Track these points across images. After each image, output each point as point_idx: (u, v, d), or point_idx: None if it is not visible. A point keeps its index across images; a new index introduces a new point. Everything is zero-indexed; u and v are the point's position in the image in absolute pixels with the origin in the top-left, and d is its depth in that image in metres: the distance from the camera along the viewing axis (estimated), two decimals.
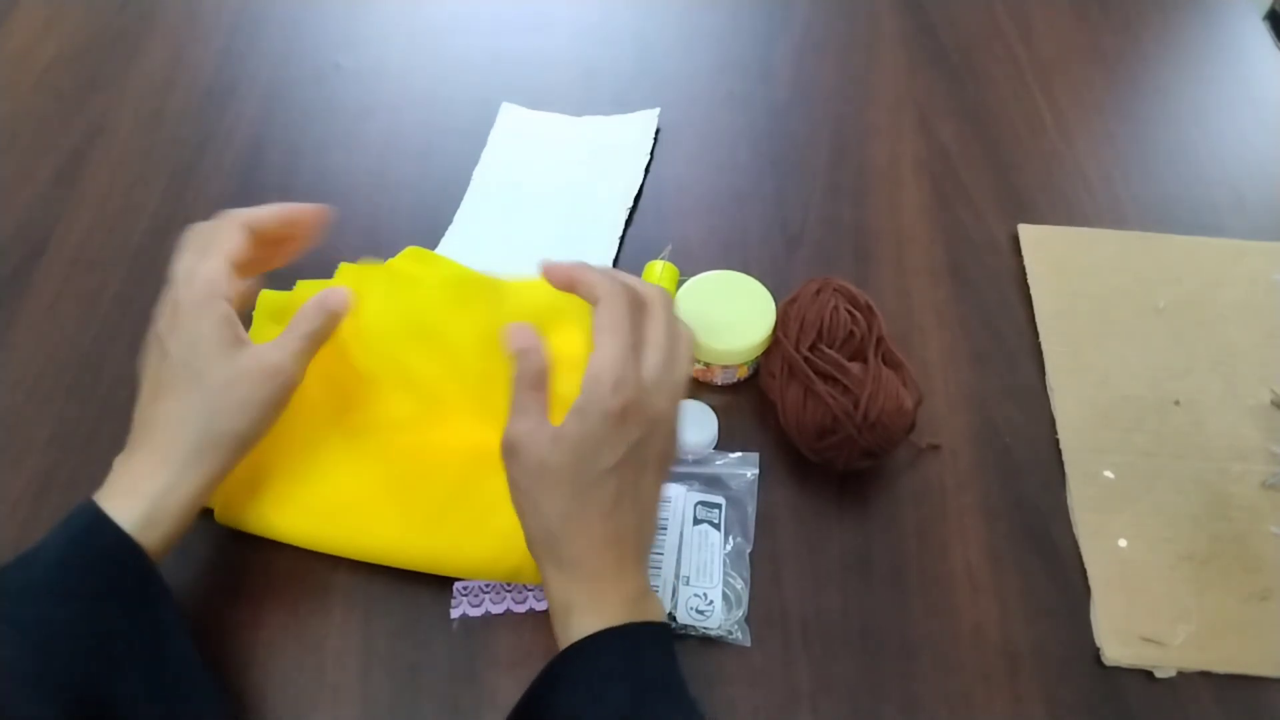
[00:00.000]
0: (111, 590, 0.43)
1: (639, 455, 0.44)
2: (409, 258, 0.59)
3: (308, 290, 0.55)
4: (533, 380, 0.46)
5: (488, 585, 0.54)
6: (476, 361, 0.51)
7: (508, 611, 0.54)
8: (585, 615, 0.43)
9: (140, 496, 0.45)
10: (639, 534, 0.46)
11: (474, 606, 0.54)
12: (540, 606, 0.54)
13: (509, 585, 0.54)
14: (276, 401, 0.48)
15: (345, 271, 0.56)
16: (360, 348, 0.53)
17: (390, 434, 0.54)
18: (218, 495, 0.52)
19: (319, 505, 0.53)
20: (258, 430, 0.48)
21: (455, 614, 0.54)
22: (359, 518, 0.53)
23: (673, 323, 0.47)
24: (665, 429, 0.45)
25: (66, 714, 0.40)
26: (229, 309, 0.47)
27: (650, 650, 0.44)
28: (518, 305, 0.52)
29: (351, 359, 0.53)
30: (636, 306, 0.45)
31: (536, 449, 0.44)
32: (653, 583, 0.54)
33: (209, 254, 0.48)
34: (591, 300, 0.45)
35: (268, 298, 0.58)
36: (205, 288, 0.47)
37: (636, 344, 0.44)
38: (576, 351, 0.55)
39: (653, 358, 0.45)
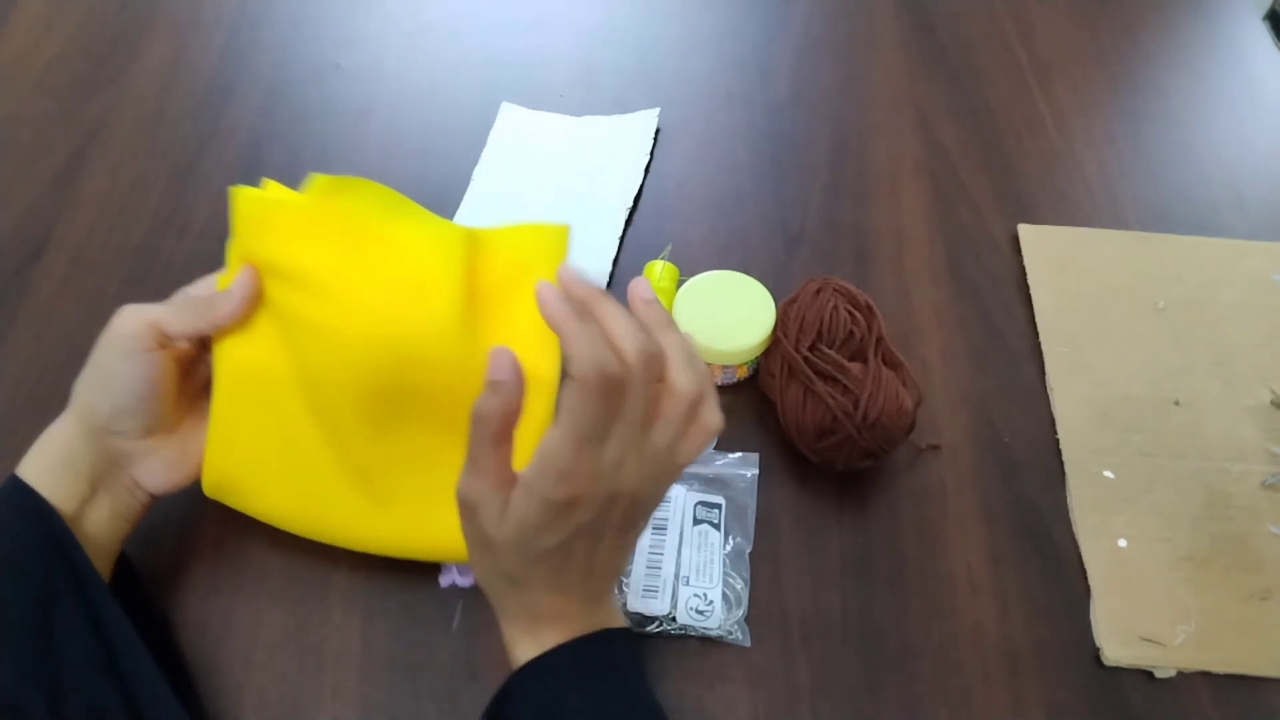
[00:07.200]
0: (27, 539, 0.46)
1: (590, 531, 0.41)
2: (330, 192, 0.49)
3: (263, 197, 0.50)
4: (496, 429, 0.40)
5: None
6: (445, 319, 0.49)
7: None
8: (529, 646, 0.44)
9: (47, 458, 0.49)
10: (590, 586, 0.45)
11: (463, 575, 0.54)
12: None
13: None
14: (138, 363, 0.48)
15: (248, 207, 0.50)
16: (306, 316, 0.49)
17: (362, 413, 0.51)
18: (208, 470, 0.52)
19: (300, 489, 0.52)
20: (125, 387, 0.48)
21: (445, 582, 0.54)
22: (339, 504, 0.52)
23: (649, 391, 0.40)
24: (627, 502, 0.41)
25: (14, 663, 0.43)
26: (150, 330, 0.49)
27: (602, 663, 0.45)
28: (483, 257, 0.50)
29: (303, 330, 0.50)
30: (613, 392, 0.38)
31: (484, 520, 0.41)
32: (652, 583, 0.54)
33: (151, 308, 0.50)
34: (567, 362, 0.39)
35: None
36: (133, 318, 0.49)
37: (604, 426, 0.39)
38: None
39: (621, 432, 0.39)
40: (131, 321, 0.48)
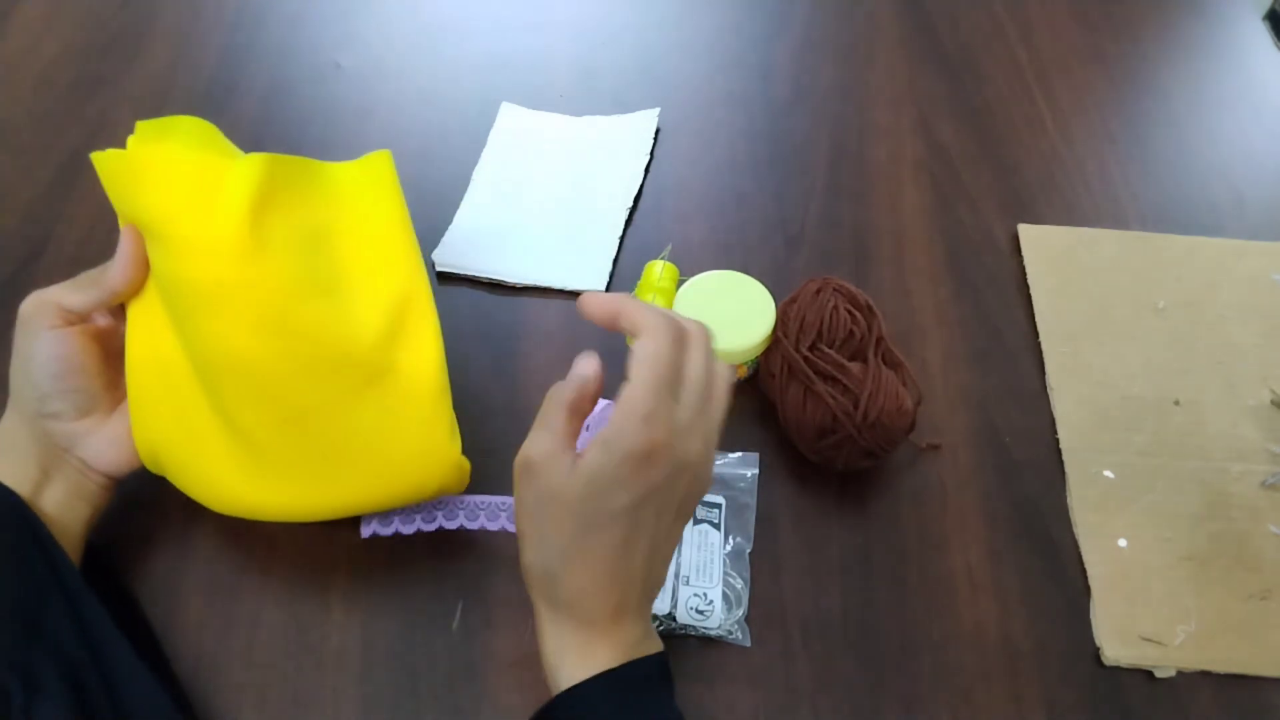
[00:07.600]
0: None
1: (658, 499, 0.41)
2: (155, 136, 0.48)
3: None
4: (572, 401, 0.43)
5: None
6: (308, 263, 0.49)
7: (418, 531, 0.54)
8: (576, 666, 0.42)
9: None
10: (645, 580, 0.43)
11: (384, 525, 0.54)
12: (450, 525, 0.54)
13: (416, 506, 0.54)
14: (46, 342, 0.48)
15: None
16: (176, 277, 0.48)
17: (224, 368, 0.49)
18: (140, 445, 0.50)
19: (205, 461, 0.51)
20: (40, 368, 0.48)
21: (365, 533, 0.54)
22: (235, 473, 0.50)
23: (711, 360, 0.44)
24: (692, 474, 0.42)
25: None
26: (50, 307, 0.49)
27: (641, 692, 0.43)
28: (315, 186, 0.51)
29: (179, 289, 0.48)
30: (679, 341, 0.42)
31: (550, 475, 0.41)
32: None
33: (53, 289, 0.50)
34: (634, 333, 0.42)
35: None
36: (34, 299, 0.49)
37: (674, 381, 0.41)
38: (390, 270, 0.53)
39: (688, 396, 0.42)
40: (33, 303, 0.49)
